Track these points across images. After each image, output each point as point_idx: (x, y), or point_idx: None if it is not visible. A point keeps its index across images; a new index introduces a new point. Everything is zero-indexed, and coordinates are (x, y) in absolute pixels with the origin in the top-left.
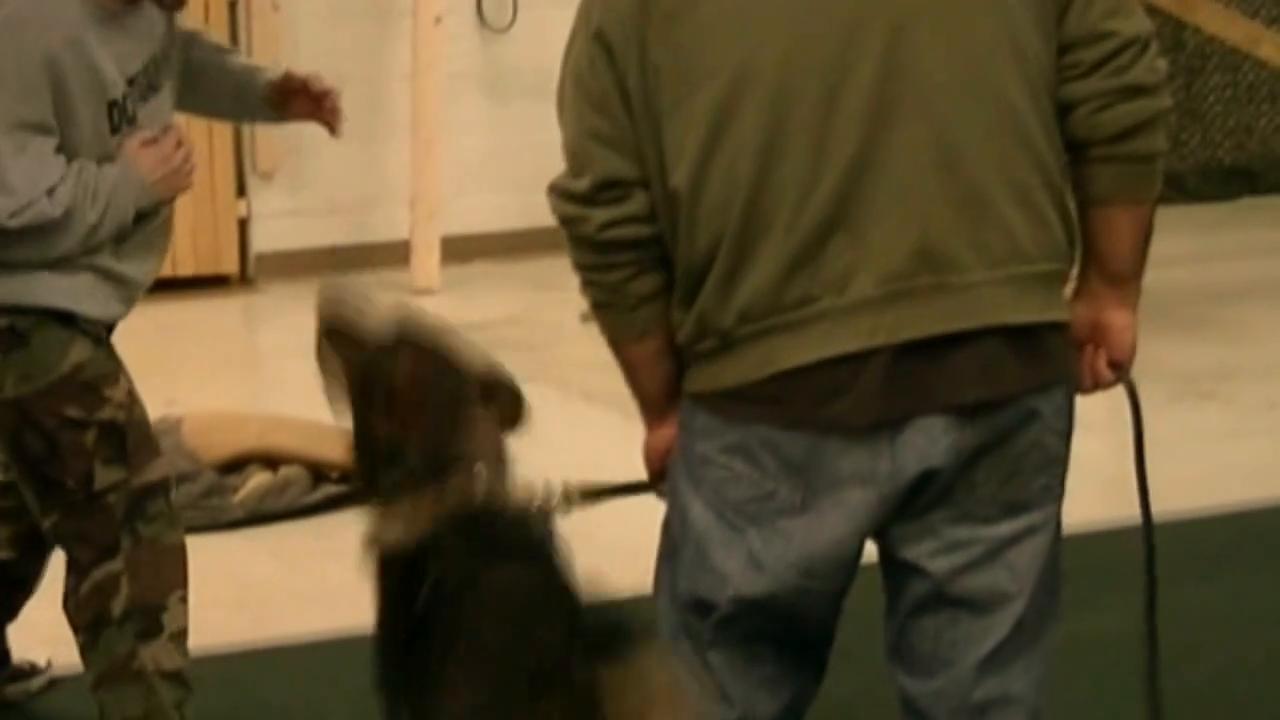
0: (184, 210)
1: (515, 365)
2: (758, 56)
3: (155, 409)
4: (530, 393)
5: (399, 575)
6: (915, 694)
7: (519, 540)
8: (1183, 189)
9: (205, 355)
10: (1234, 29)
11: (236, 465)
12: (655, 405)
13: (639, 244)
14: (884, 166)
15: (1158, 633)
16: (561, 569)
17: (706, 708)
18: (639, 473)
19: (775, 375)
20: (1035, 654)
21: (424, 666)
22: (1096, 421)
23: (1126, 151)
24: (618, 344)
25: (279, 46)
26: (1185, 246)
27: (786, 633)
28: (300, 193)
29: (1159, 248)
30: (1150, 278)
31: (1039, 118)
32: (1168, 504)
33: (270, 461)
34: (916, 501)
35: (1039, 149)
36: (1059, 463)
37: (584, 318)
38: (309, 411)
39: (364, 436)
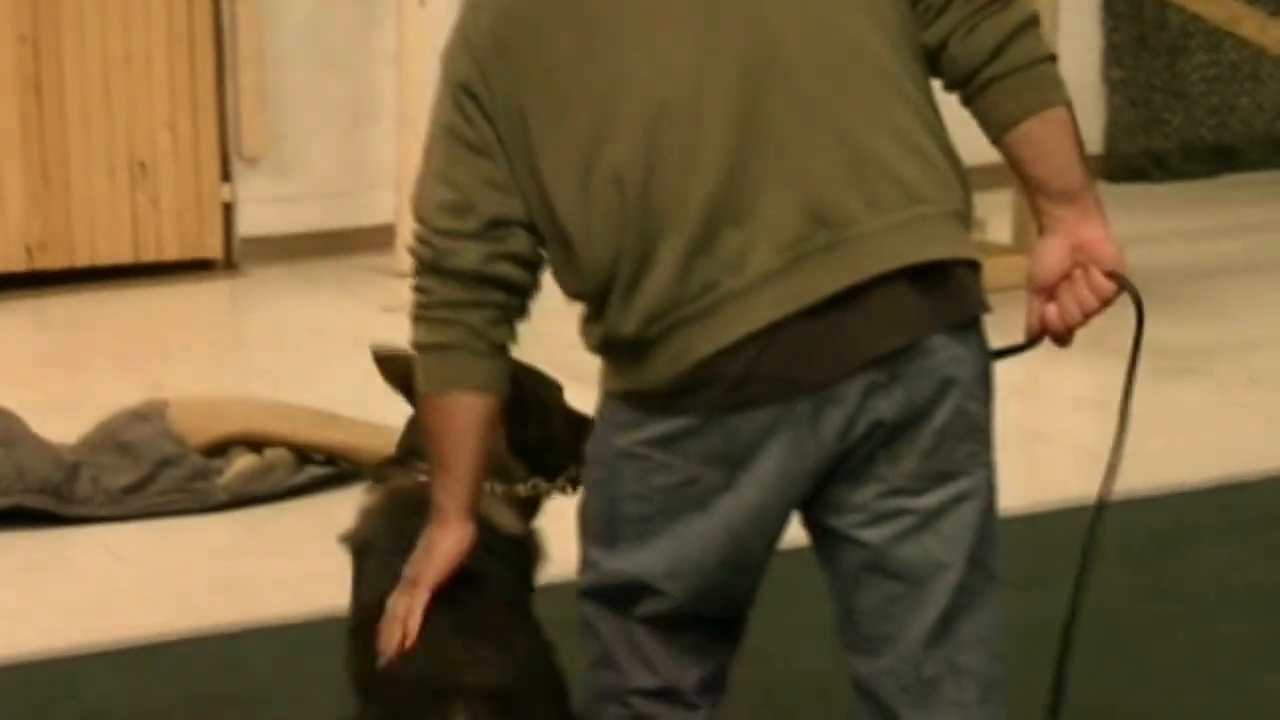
0: (168, 195)
1: None
2: (622, 70)
3: (140, 393)
4: None
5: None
6: (866, 675)
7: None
8: (1165, 166)
9: (190, 340)
10: (1216, 8)
11: (221, 449)
12: (459, 489)
13: (510, 285)
14: (762, 144)
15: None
16: None
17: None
18: None
19: (691, 367)
20: (983, 623)
21: None
22: (1083, 397)
23: (1014, 61)
24: (443, 394)
25: (263, 28)
26: (1168, 224)
27: (711, 605)
28: (285, 177)
29: (1143, 226)
30: (1134, 255)
31: (907, 70)
32: (1149, 479)
33: (255, 445)
34: (843, 468)
35: (914, 99)
36: (982, 429)
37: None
38: (293, 395)
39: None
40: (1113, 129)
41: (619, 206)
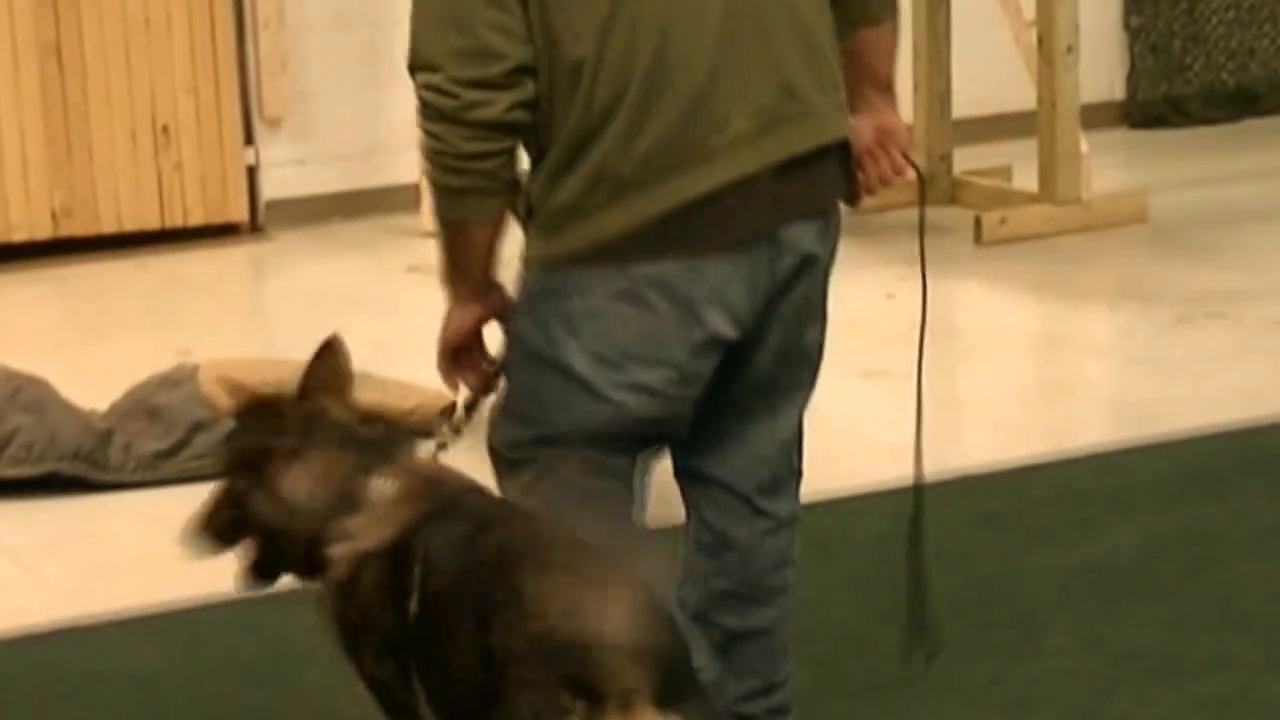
0: (192, 159)
1: None
2: None
3: (167, 359)
4: None
5: (385, 575)
6: (717, 474)
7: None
8: (1186, 112)
9: (216, 304)
10: None
11: None
12: (478, 284)
13: (523, 129)
14: (748, 26)
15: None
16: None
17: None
18: None
19: (670, 212)
20: (801, 434)
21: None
22: (1105, 345)
23: None
24: (468, 228)
25: None
26: (1189, 170)
27: (655, 436)
28: (308, 139)
29: (1164, 172)
30: (1157, 202)
31: None
32: (1176, 423)
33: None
34: (775, 308)
35: (827, 4)
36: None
37: None
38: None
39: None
40: (1133, 76)
41: (634, 55)
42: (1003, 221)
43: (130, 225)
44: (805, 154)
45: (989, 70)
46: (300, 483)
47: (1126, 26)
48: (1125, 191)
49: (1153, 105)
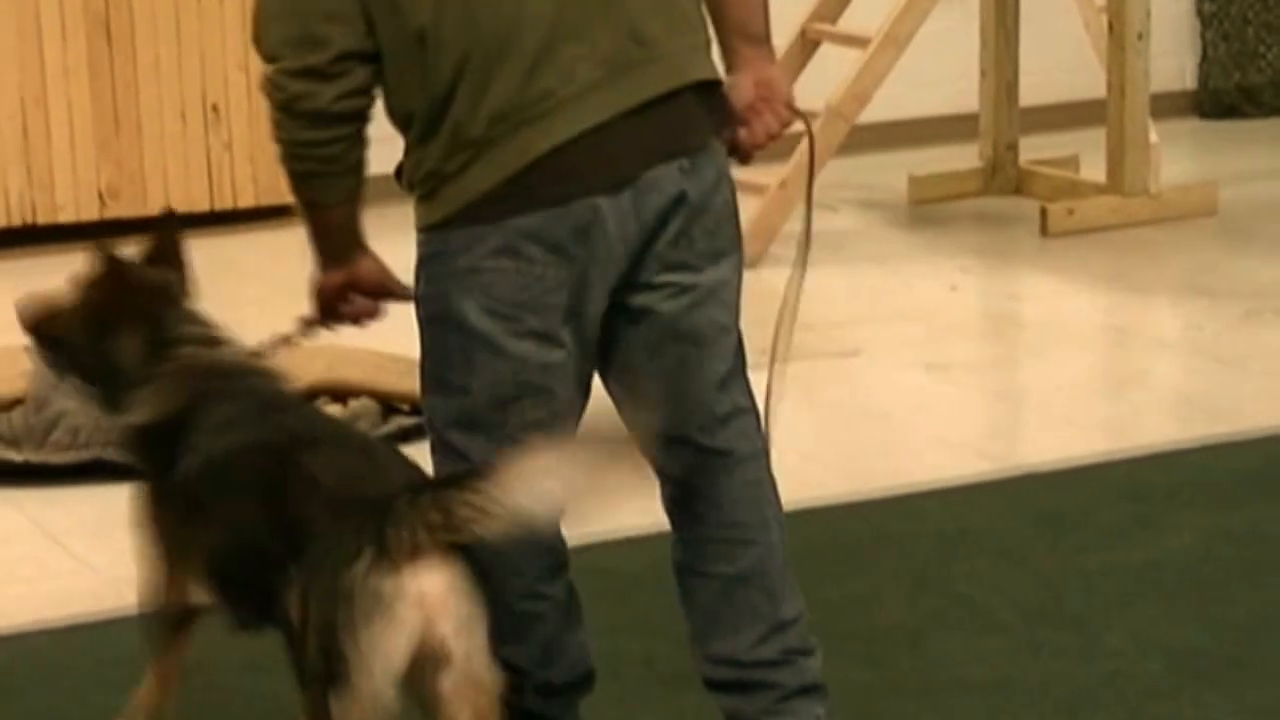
0: (243, 140)
1: None
2: None
3: None
4: None
5: (155, 445)
6: (663, 426)
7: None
8: (1258, 101)
9: (266, 288)
10: None
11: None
12: (338, 254)
13: (360, 115)
14: None
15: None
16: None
17: None
18: None
19: (528, 165)
20: (745, 373)
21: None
22: (1172, 340)
23: None
24: (318, 209)
25: None
26: (1261, 161)
27: (563, 390)
28: None
29: (1237, 163)
30: (1227, 194)
31: None
32: (1245, 422)
33: (339, 395)
34: (650, 249)
35: None
36: (737, 215)
37: None
38: (376, 343)
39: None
40: (1205, 64)
41: (474, 18)
42: (1069, 212)
43: (179, 206)
44: (658, 96)
45: (1058, 56)
46: (113, 341)
47: (1199, 13)
48: (1195, 183)
49: (1225, 94)
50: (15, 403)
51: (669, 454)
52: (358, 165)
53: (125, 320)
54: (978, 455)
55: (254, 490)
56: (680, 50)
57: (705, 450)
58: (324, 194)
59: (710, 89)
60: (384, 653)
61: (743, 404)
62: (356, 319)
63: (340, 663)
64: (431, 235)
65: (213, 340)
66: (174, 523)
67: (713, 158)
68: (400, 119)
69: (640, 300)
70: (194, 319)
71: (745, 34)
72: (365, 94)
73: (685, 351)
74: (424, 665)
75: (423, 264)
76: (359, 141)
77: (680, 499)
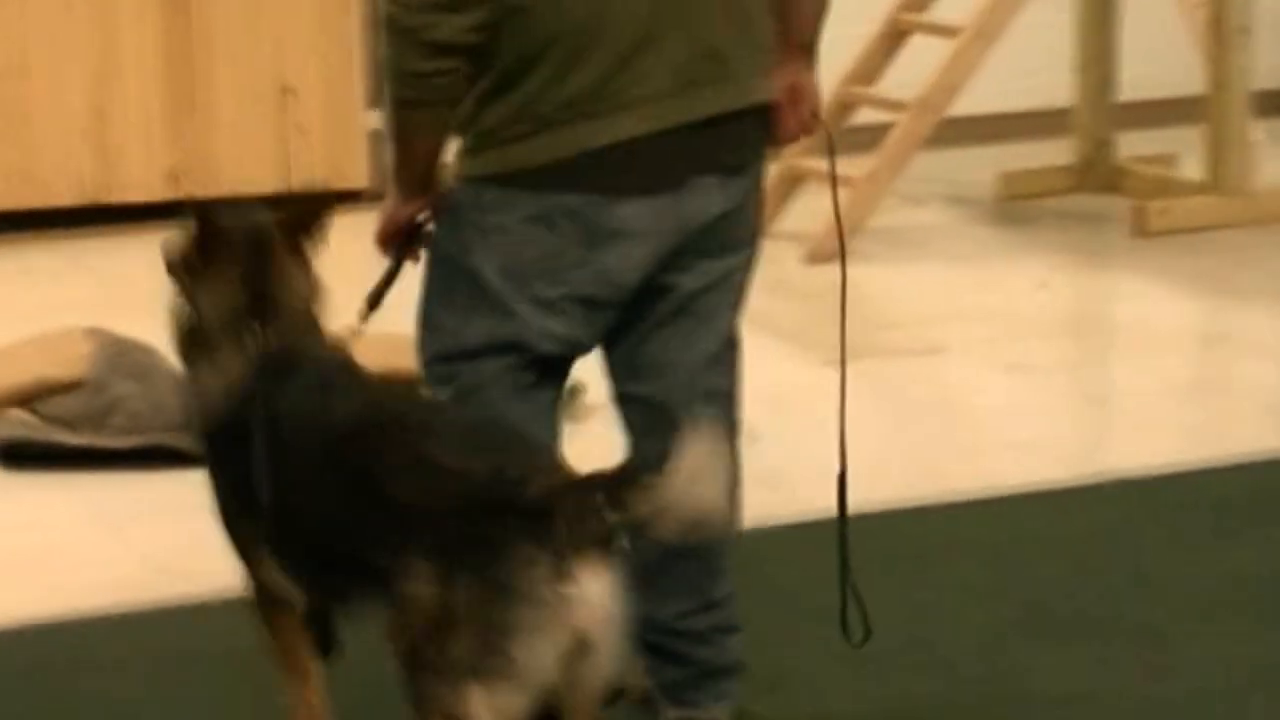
0: (314, 122)
1: None
2: None
3: None
4: None
5: (229, 437)
6: (648, 392)
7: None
8: None
9: (335, 273)
10: None
11: None
12: (418, 184)
13: (474, 50)
14: None
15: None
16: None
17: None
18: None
19: (585, 154)
20: (736, 358)
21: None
22: (1267, 346)
23: None
24: (419, 138)
25: None
26: None
27: (558, 359)
28: None
29: None
30: None
31: None
32: None
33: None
34: (687, 246)
35: None
36: (762, 205)
37: None
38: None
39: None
40: None
41: (572, 8)
42: (1165, 212)
43: (248, 188)
44: (721, 115)
45: (1156, 51)
46: (208, 294)
47: None
48: None
49: None
50: (74, 386)
51: (657, 426)
52: (457, 100)
53: (228, 280)
54: (1058, 460)
55: (355, 472)
56: (749, 71)
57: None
58: (424, 125)
59: (767, 109)
60: (543, 657)
61: (724, 386)
62: (418, 256)
63: (495, 658)
64: (467, 186)
65: (308, 323)
66: (256, 505)
67: (755, 169)
68: (473, 69)
69: (663, 279)
70: (302, 298)
71: (796, 40)
72: (484, 30)
73: (687, 324)
74: (566, 661)
75: (451, 210)
76: (465, 77)
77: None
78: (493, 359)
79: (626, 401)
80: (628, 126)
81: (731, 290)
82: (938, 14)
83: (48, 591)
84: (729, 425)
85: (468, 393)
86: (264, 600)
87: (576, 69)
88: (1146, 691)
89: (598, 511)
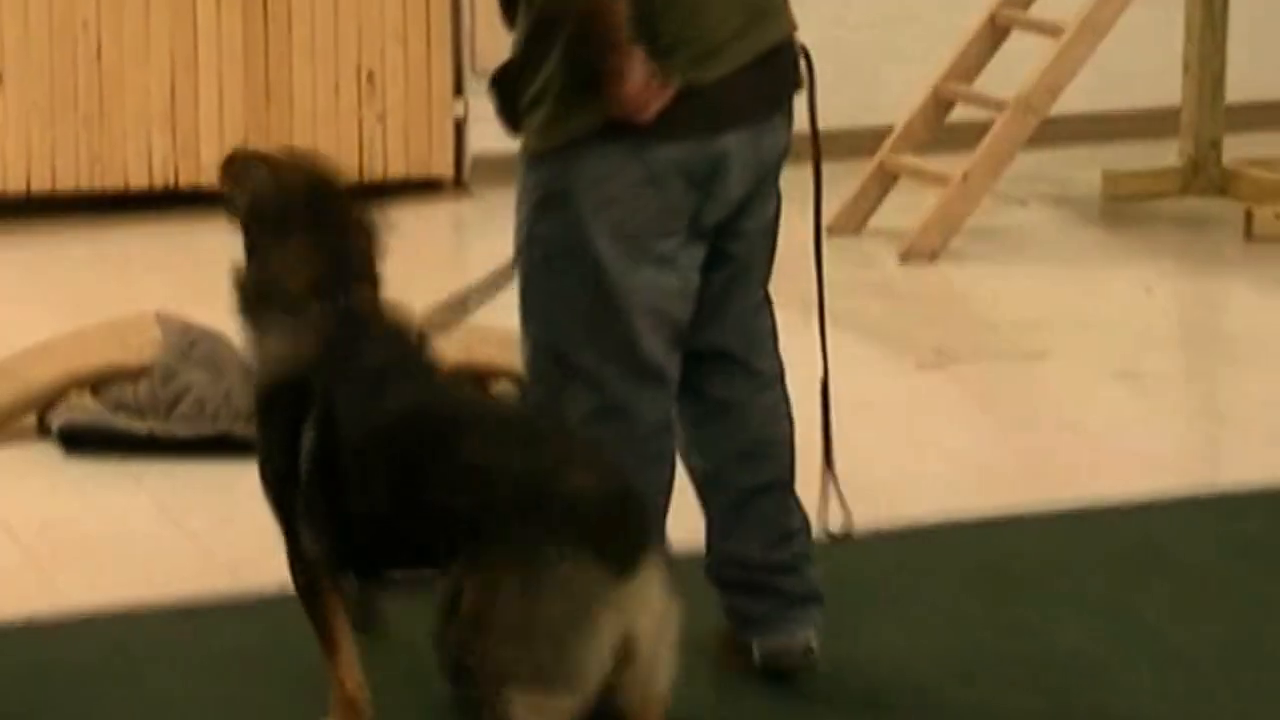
0: (396, 110)
1: None
2: None
3: None
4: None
5: (287, 400)
6: (717, 342)
7: (403, 358)
8: None
9: (411, 264)
10: None
11: None
12: (627, 43)
13: None
14: None
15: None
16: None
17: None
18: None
19: (680, 94)
20: (771, 306)
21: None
22: None
23: None
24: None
25: None
26: None
27: (679, 313)
28: None
29: None
30: None
31: None
32: None
33: (479, 376)
34: (758, 186)
35: None
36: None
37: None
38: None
39: (254, 263)
40: None
41: None
42: (1277, 216)
43: None
44: (775, 46)
45: (1267, 51)
46: (285, 256)
47: None
48: None
49: None
50: (142, 372)
51: (717, 373)
52: None
53: (307, 245)
54: (1169, 472)
55: (398, 462)
56: (782, 5)
57: (750, 371)
58: None
59: (794, 45)
60: (584, 660)
61: (771, 330)
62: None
63: (534, 663)
64: (556, 167)
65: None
66: (304, 487)
67: (791, 107)
68: (542, 28)
69: (735, 225)
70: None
71: None
72: None
73: (747, 274)
74: (618, 663)
75: (546, 202)
76: None
77: (710, 415)
78: (625, 330)
79: (689, 353)
80: (715, 67)
81: (772, 238)
82: (1040, 11)
83: (107, 581)
84: (780, 368)
85: (588, 390)
86: (299, 567)
87: (663, 16)
88: (1264, 716)
89: (640, 508)
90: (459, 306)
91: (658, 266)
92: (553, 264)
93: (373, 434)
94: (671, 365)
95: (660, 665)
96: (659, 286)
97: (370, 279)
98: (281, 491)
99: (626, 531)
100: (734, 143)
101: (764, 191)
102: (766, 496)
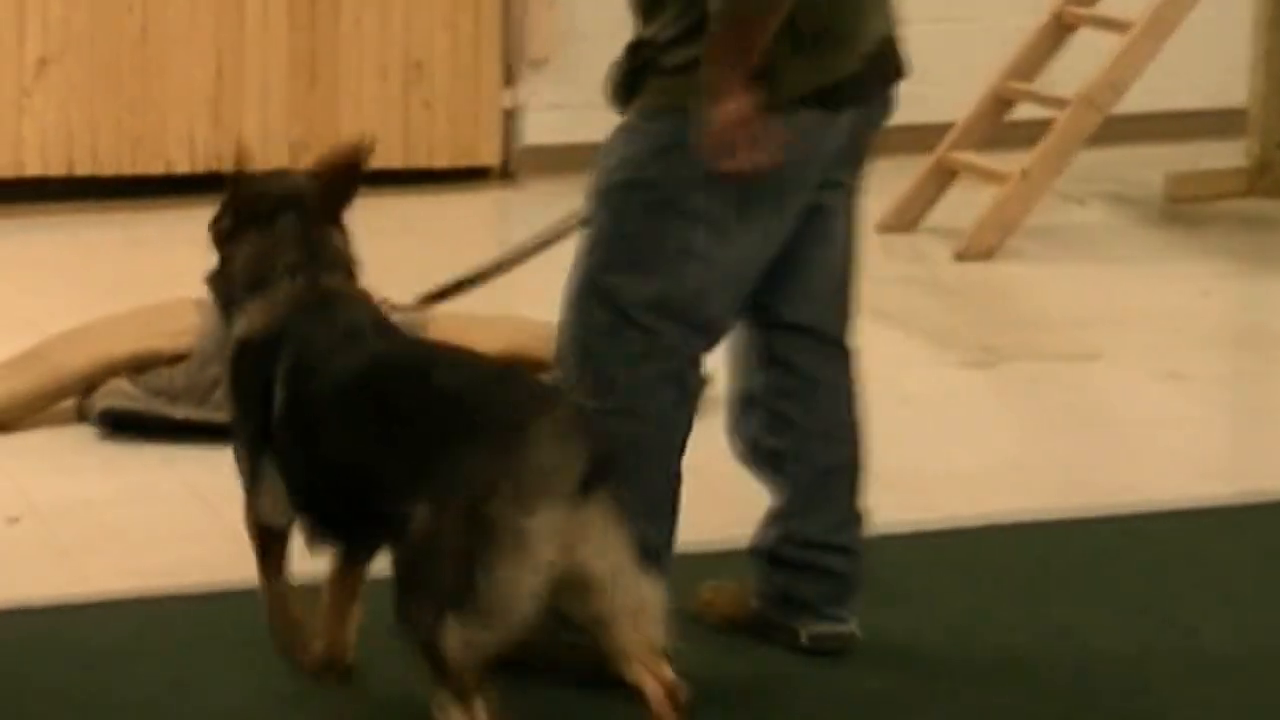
0: (444, 98)
1: None
2: None
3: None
4: None
5: (254, 360)
6: (806, 319)
7: (366, 321)
8: None
9: (454, 253)
10: None
11: None
12: (749, 77)
13: None
14: None
15: None
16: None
17: None
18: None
19: (839, 79)
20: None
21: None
22: None
23: None
24: (767, 14)
25: None
26: None
27: (750, 288)
28: (572, 82)
29: None
30: None
31: None
32: None
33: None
34: (860, 156)
35: None
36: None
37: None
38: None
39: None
40: None
41: None
42: None
43: (373, 163)
44: (889, 36)
45: None
46: (242, 249)
47: None
48: None
49: None
50: (179, 358)
51: (796, 344)
52: None
53: (264, 238)
54: (1217, 476)
55: (376, 412)
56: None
57: (830, 343)
58: (774, 8)
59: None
60: (515, 590)
61: (853, 310)
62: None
63: (468, 590)
64: (684, 120)
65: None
66: (274, 444)
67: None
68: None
69: (820, 197)
70: (334, 252)
71: None
72: None
73: (835, 250)
74: (572, 594)
75: (664, 149)
76: None
77: (796, 390)
78: (713, 295)
79: (780, 328)
80: (866, 46)
81: (851, 216)
82: (1106, 8)
83: (138, 565)
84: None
85: (651, 351)
86: (256, 523)
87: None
88: None
89: (583, 437)
90: (440, 293)
91: (752, 231)
92: (649, 210)
93: (341, 381)
94: (729, 323)
95: (622, 594)
96: (746, 253)
97: (345, 270)
98: (251, 449)
99: (570, 464)
100: (847, 122)
101: (856, 174)
102: (840, 478)
